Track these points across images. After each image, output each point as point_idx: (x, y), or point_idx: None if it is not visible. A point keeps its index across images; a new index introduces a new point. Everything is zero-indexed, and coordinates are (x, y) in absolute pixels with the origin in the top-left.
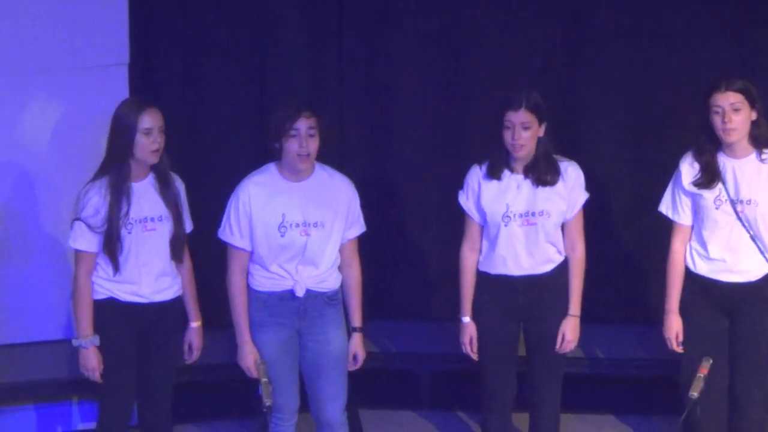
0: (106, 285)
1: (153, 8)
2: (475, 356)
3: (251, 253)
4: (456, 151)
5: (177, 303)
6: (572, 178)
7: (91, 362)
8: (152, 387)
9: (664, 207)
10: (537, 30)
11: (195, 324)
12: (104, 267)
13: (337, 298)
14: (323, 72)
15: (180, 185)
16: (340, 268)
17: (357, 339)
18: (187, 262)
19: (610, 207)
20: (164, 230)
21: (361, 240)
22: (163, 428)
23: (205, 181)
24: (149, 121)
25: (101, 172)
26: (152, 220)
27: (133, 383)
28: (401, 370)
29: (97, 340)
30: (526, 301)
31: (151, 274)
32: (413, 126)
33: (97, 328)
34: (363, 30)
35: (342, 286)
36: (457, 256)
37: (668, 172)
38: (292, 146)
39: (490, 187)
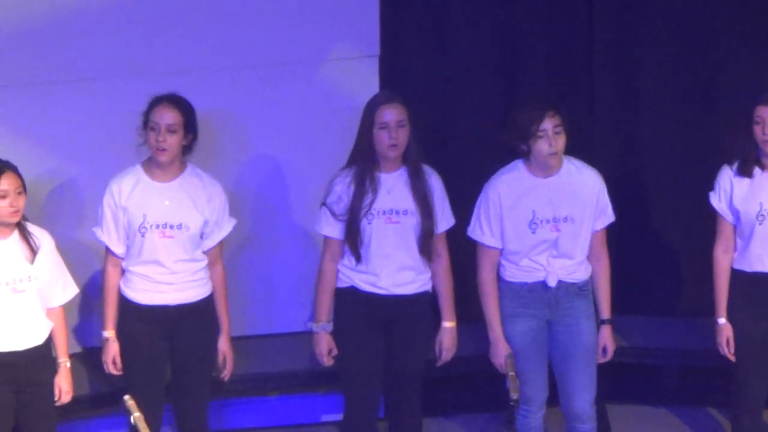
0: (348, 273)
1: (402, 1)
2: (732, 357)
3: (502, 249)
4: (705, 146)
5: (422, 298)
6: None
7: (320, 347)
8: (398, 380)
9: None
10: None
11: (447, 324)
12: (348, 255)
13: (588, 289)
14: (572, 67)
15: (437, 180)
16: (588, 259)
17: (606, 331)
18: (444, 260)
19: None
20: (409, 224)
21: (611, 234)
22: (410, 422)
23: (451, 175)
24: (386, 115)
25: (350, 161)
26: (397, 213)
27: (376, 375)
28: (650, 365)
29: (329, 326)
30: None
31: (392, 267)
32: (662, 121)
33: (337, 315)
34: (612, 23)
35: (591, 277)
36: (707, 251)
37: None
38: (542, 147)
39: (742, 186)
